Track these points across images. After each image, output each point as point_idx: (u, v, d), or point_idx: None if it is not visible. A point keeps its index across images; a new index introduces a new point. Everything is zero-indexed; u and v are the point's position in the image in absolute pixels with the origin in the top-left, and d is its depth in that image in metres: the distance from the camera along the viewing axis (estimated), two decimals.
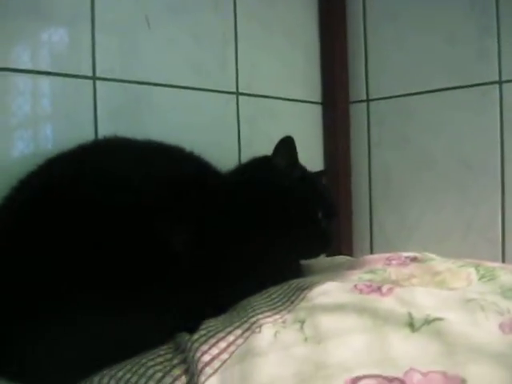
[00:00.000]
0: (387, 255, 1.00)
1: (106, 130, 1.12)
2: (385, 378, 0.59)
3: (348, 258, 1.29)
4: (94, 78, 1.12)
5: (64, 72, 1.08)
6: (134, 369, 0.75)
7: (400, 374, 0.59)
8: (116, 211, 0.84)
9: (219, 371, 0.68)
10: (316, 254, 1.15)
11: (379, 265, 0.96)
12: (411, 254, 1.00)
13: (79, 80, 1.10)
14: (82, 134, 1.10)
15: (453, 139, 1.45)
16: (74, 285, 0.78)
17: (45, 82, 1.06)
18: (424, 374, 0.59)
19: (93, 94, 1.12)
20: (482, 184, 1.41)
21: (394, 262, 0.96)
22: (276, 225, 1.02)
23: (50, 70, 1.06)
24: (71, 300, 0.77)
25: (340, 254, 1.40)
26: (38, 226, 0.81)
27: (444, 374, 0.58)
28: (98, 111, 1.13)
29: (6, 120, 1.01)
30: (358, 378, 0.59)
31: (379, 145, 1.59)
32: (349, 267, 1.01)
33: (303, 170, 1.15)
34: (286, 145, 1.08)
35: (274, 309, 0.82)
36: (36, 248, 0.80)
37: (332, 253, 1.38)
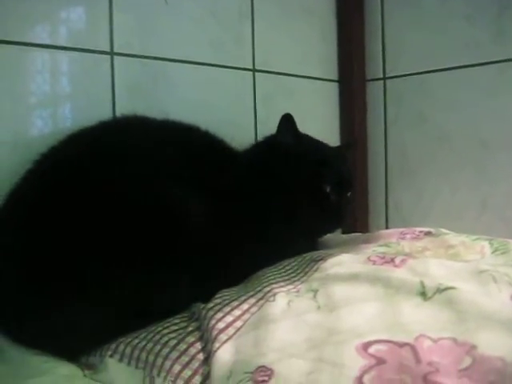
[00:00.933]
0: (401, 230, 1.01)
1: (123, 106, 1.13)
2: (395, 343, 0.59)
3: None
4: (111, 53, 1.13)
5: (82, 47, 1.09)
6: (149, 336, 0.77)
7: (411, 340, 0.59)
8: (134, 183, 0.85)
9: (233, 338, 0.70)
10: (327, 230, 1.14)
11: (393, 239, 0.97)
12: (425, 229, 1.01)
13: (97, 55, 1.11)
14: (100, 110, 1.11)
15: (469, 117, 1.44)
16: (90, 254, 0.80)
17: (63, 58, 1.07)
18: (434, 340, 0.59)
19: (110, 70, 1.13)
20: (498, 162, 1.40)
21: (407, 236, 0.97)
22: (279, 201, 1.03)
23: (68, 45, 1.07)
24: (88, 270, 0.79)
25: (355, 231, 1.41)
26: (59, 199, 0.83)
27: (454, 341, 0.59)
28: (115, 87, 1.14)
29: (24, 95, 1.02)
30: (370, 343, 0.60)
31: (395, 123, 1.59)
32: (363, 241, 1.01)
33: (311, 144, 1.16)
34: (286, 123, 1.09)
35: (288, 279, 0.83)
36: (57, 218, 0.81)
37: (347, 230, 1.38)
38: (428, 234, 0.97)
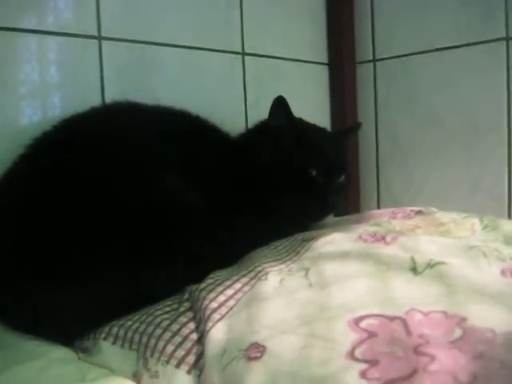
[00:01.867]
0: (392, 209, 1.02)
1: (112, 92, 1.13)
2: (386, 317, 0.60)
3: None
4: (99, 37, 1.12)
5: (69, 32, 1.08)
6: (142, 318, 0.77)
7: (401, 314, 0.60)
8: (126, 166, 0.85)
9: (226, 317, 0.70)
10: (314, 215, 1.12)
11: (384, 218, 0.97)
12: (416, 209, 1.01)
13: (85, 40, 1.10)
14: (89, 96, 1.11)
15: (460, 98, 1.44)
16: (83, 238, 0.80)
17: (51, 43, 1.06)
18: (425, 314, 0.60)
19: (99, 55, 1.13)
20: (489, 143, 1.41)
21: (399, 215, 0.97)
22: (266, 184, 1.03)
23: (55, 30, 1.06)
24: (82, 253, 0.79)
25: (347, 214, 1.41)
26: (51, 182, 0.83)
27: (445, 313, 0.60)
28: (104, 72, 1.13)
29: (12, 82, 1.02)
30: (361, 318, 0.61)
31: (386, 105, 1.59)
32: (354, 222, 1.02)
33: (304, 127, 1.16)
34: (279, 105, 1.09)
35: (280, 259, 0.84)
36: (49, 201, 0.81)
37: (339, 213, 1.38)
38: (419, 212, 0.98)
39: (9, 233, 0.81)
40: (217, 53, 1.34)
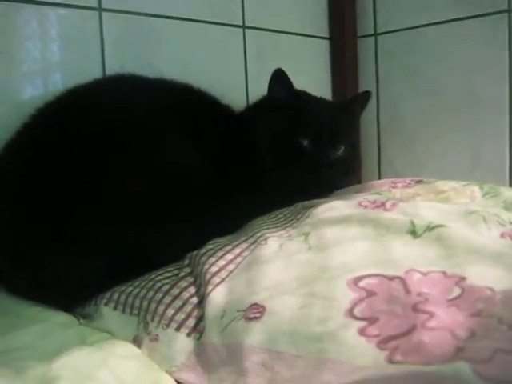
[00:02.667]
0: (393, 179, 1.01)
1: (113, 64, 1.12)
2: (386, 276, 0.60)
3: None
4: (99, 9, 1.11)
5: (70, 3, 1.07)
6: (143, 284, 0.78)
7: (401, 273, 0.60)
8: (132, 133, 0.86)
9: (226, 280, 0.70)
10: (308, 187, 1.04)
11: (385, 187, 0.97)
12: (416, 178, 1.01)
13: (85, 11, 1.10)
14: (90, 68, 1.10)
15: (461, 71, 1.44)
16: (87, 203, 0.80)
17: (51, 15, 1.06)
18: (424, 274, 0.60)
19: (99, 26, 1.12)
20: (491, 116, 1.40)
21: (399, 184, 0.97)
22: (260, 157, 1.04)
23: (56, 1, 1.06)
24: (85, 218, 0.80)
25: None
26: (57, 148, 0.83)
27: (444, 273, 0.60)
28: (104, 44, 1.13)
29: (12, 53, 1.02)
30: (360, 278, 0.61)
31: (387, 79, 1.58)
32: (355, 191, 1.01)
33: (304, 99, 1.15)
34: (278, 77, 1.08)
35: (280, 226, 0.84)
36: (56, 166, 0.82)
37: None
38: (419, 182, 0.98)
39: (11, 197, 0.82)
40: (217, 26, 1.33)
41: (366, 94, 1.23)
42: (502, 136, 1.38)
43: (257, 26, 1.42)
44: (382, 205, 0.80)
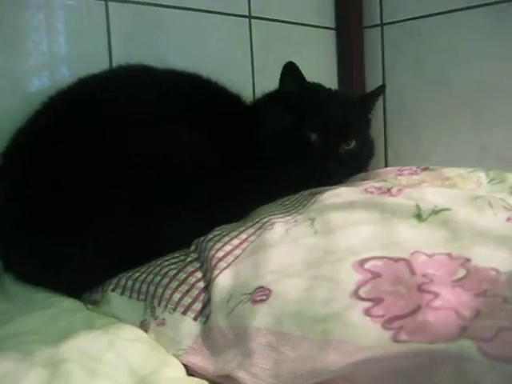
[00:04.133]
0: (399, 167, 1.01)
1: (119, 55, 1.13)
2: (391, 258, 0.60)
3: None
4: None
5: None
6: (150, 269, 0.78)
7: (406, 255, 0.60)
8: (142, 120, 0.87)
9: (232, 265, 0.71)
10: (315, 181, 0.99)
11: (391, 175, 0.97)
12: (423, 166, 1.01)
13: (92, 2, 1.10)
14: (97, 59, 1.11)
15: (468, 61, 1.43)
16: (95, 190, 0.81)
17: (58, 6, 1.06)
18: (429, 255, 0.60)
19: (105, 16, 1.12)
20: (497, 105, 1.39)
21: (405, 172, 0.97)
22: (269, 148, 1.03)
23: None
24: (92, 206, 0.80)
25: None
26: (67, 136, 0.84)
27: (449, 255, 0.60)
28: (111, 35, 1.13)
29: (19, 44, 1.02)
30: (365, 260, 0.61)
31: (394, 69, 1.58)
32: (361, 179, 1.01)
33: (317, 92, 1.14)
34: (289, 71, 1.08)
35: (286, 212, 0.84)
36: (67, 152, 0.82)
37: None
38: (425, 169, 0.97)
39: (21, 185, 0.82)
40: (224, 16, 1.33)
41: (381, 88, 1.22)
42: (509, 125, 1.38)
43: (263, 16, 1.42)
44: (388, 191, 0.80)
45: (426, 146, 1.53)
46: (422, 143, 1.53)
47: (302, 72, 1.09)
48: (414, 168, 0.98)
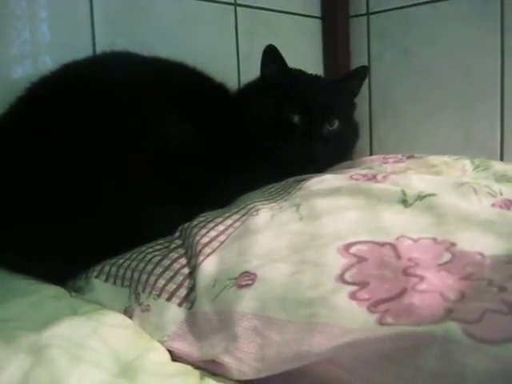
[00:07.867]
0: (384, 155, 1.01)
1: (103, 41, 1.11)
2: (376, 243, 0.60)
3: None
4: None
5: None
6: (134, 256, 0.78)
7: (391, 240, 0.60)
8: (128, 107, 0.86)
9: (217, 250, 0.70)
10: (300, 162, 1.02)
11: (376, 163, 0.97)
12: (408, 154, 1.01)
13: None
14: (80, 46, 1.10)
15: (453, 50, 1.43)
16: (80, 175, 0.80)
17: None
18: (415, 240, 0.60)
19: (89, 4, 1.11)
20: (482, 95, 1.40)
21: (390, 160, 0.97)
22: (253, 133, 1.04)
23: None
24: (77, 192, 0.80)
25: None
26: (54, 121, 0.83)
27: (434, 240, 0.60)
28: (95, 22, 1.12)
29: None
30: (351, 244, 0.61)
31: (380, 59, 1.58)
32: (347, 167, 1.01)
33: (298, 76, 1.15)
34: (270, 54, 1.08)
35: (272, 199, 0.84)
36: (50, 138, 0.82)
37: None
38: (410, 157, 0.98)
39: (4, 171, 0.81)
40: (209, 3, 1.32)
41: (363, 69, 1.22)
42: (494, 115, 1.38)
43: (248, 3, 1.41)
44: (374, 177, 0.80)
45: (411, 136, 1.53)
46: (407, 132, 1.54)
47: (288, 61, 1.10)
48: (399, 156, 0.98)
